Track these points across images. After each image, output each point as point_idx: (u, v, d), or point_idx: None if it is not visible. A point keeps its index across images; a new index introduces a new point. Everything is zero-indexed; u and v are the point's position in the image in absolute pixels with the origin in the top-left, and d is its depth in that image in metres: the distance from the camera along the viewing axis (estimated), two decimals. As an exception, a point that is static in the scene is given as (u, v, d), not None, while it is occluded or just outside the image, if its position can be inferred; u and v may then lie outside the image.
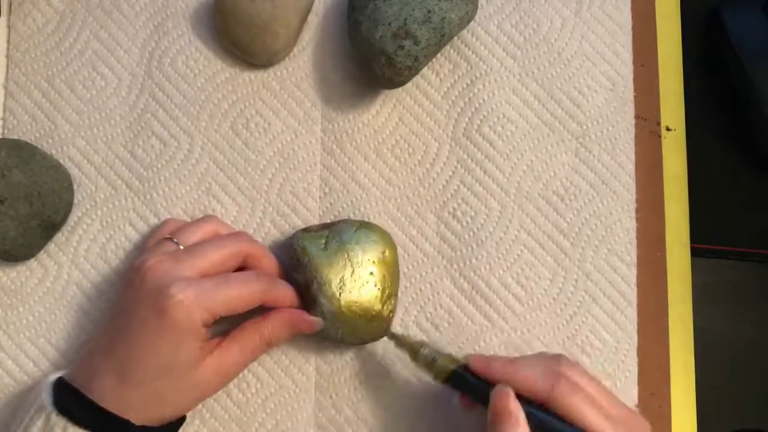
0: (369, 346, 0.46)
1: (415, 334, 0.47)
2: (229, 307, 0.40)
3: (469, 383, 0.40)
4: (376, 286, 0.43)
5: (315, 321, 0.43)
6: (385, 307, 0.43)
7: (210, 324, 0.40)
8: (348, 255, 0.43)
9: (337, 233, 0.44)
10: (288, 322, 0.43)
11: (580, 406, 0.37)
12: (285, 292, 0.43)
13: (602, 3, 0.51)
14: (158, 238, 0.44)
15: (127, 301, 0.41)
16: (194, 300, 0.38)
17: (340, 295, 0.42)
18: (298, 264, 0.44)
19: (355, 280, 0.43)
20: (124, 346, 0.39)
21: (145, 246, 0.46)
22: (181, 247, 0.42)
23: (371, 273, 0.43)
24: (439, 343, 0.47)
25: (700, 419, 0.48)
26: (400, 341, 0.43)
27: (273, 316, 0.43)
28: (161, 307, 0.38)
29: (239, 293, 0.40)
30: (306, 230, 0.45)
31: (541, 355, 0.41)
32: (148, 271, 0.40)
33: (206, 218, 0.46)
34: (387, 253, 0.44)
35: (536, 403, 0.38)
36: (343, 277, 0.43)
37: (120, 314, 0.41)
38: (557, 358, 0.40)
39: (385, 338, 0.44)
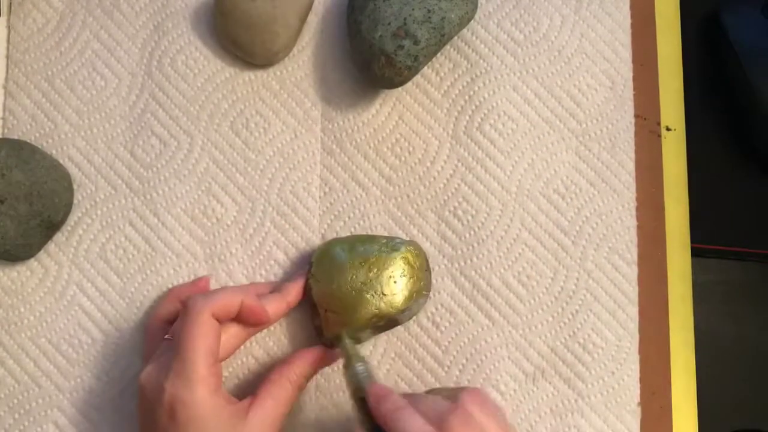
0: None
1: (417, 333, 0.47)
2: (222, 351, 0.40)
3: (367, 414, 0.38)
4: (403, 276, 0.44)
5: (336, 354, 0.44)
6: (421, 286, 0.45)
7: (217, 386, 0.39)
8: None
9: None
10: (312, 362, 0.43)
11: None
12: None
13: (602, 1, 0.51)
14: (160, 319, 0.44)
15: (143, 416, 0.41)
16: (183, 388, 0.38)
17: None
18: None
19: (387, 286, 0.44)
20: None
21: (156, 312, 0.45)
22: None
23: (393, 279, 0.44)
24: (440, 342, 0.47)
25: (700, 419, 0.48)
26: (345, 347, 0.42)
27: (297, 360, 0.43)
28: (168, 412, 0.38)
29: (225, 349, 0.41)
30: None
31: (441, 395, 0.39)
32: (146, 385, 0.40)
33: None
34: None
35: None
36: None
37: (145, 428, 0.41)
38: (453, 404, 0.37)
39: (329, 338, 0.44)
